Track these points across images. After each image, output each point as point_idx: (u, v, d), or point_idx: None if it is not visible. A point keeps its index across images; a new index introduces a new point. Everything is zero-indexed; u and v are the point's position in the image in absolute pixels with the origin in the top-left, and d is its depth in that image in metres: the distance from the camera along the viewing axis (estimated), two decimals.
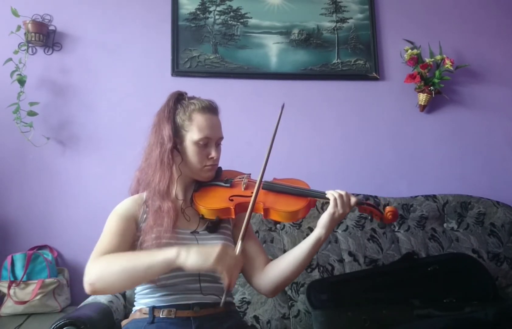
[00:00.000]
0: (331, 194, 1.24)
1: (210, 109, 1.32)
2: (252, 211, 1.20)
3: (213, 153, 1.29)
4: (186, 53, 2.30)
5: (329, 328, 1.66)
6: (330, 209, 1.23)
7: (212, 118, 1.31)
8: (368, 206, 1.27)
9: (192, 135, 1.27)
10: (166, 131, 1.26)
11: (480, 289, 1.83)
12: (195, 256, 1.05)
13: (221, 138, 1.34)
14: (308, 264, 1.29)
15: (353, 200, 1.25)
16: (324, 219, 1.24)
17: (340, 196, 1.23)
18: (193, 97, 1.35)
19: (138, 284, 1.19)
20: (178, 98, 1.33)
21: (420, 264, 1.91)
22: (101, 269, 1.10)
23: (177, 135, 1.28)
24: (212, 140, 1.29)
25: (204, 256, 1.05)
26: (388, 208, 1.26)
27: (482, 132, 2.45)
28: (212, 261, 1.04)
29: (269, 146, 1.27)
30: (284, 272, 1.26)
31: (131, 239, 1.24)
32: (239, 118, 2.28)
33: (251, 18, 2.37)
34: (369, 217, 1.30)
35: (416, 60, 2.36)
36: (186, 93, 1.36)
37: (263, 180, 1.27)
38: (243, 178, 1.35)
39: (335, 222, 1.24)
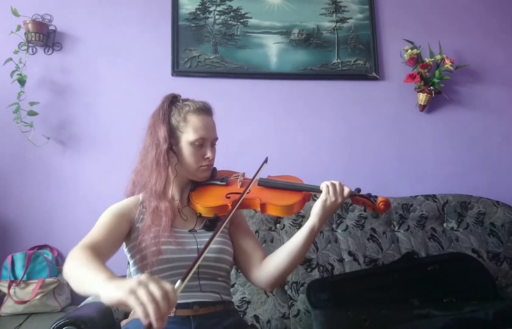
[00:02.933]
0: (324, 184, 1.26)
1: (205, 110, 1.33)
2: (236, 206, 1.21)
3: (208, 154, 1.31)
4: (186, 53, 2.30)
5: (329, 327, 1.66)
6: (322, 196, 1.24)
7: (207, 119, 1.33)
8: (361, 197, 1.29)
9: (188, 136, 1.29)
10: (162, 132, 1.28)
11: (480, 289, 1.83)
12: (113, 286, 0.88)
13: (216, 139, 1.36)
14: (304, 254, 1.29)
15: (346, 190, 1.26)
16: (316, 207, 1.24)
17: (332, 184, 1.25)
18: (187, 99, 1.36)
19: (84, 294, 1.05)
20: (173, 100, 1.34)
21: (420, 263, 1.91)
22: (69, 265, 1.06)
23: (173, 136, 1.30)
24: (207, 141, 1.31)
25: (119, 286, 0.86)
26: (380, 199, 1.28)
27: (482, 132, 2.46)
28: (122, 291, 0.83)
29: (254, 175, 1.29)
30: (281, 265, 1.27)
31: (120, 236, 1.24)
32: (239, 118, 2.28)
33: (251, 18, 2.37)
34: (363, 209, 1.31)
35: (416, 60, 2.36)
36: (180, 96, 1.38)
37: (258, 177, 1.30)
38: (238, 176, 1.39)
39: (328, 210, 1.24)
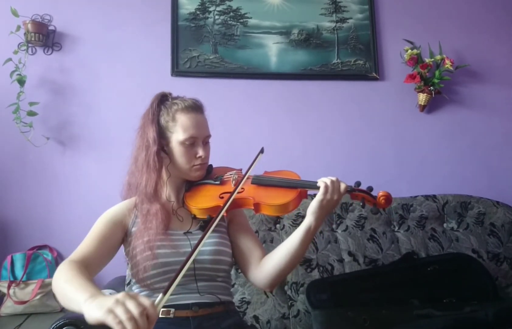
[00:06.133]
0: (321, 181, 1.20)
1: (194, 108, 1.30)
2: (226, 204, 1.17)
3: (200, 152, 1.28)
4: (186, 53, 2.30)
5: (329, 328, 1.66)
6: (319, 195, 1.19)
7: (196, 117, 1.29)
8: (360, 192, 1.23)
9: (177, 136, 1.26)
10: (151, 134, 1.26)
11: (480, 289, 1.83)
12: (93, 306, 0.87)
13: (208, 136, 1.33)
14: (302, 254, 1.25)
15: (342, 186, 1.21)
16: (312, 206, 1.20)
17: (331, 181, 1.19)
18: (177, 97, 1.34)
19: (72, 311, 1.03)
20: (162, 100, 1.32)
21: (420, 264, 1.91)
22: (56, 281, 1.06)
23: (163, 137, 1.28)
24: (198, 139, 1.28)
25: (99, 306, 0.85)
26: (381, 193, 1.21)
27: (482, 132, 2.45)
28: (102, 311, 0.83)
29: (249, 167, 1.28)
30: (278, 265, 1.24)
31: (113, 244, 1.24)
32: (239, 118, 2.28)
33: (251, 18, 2.37)
34: (361, 204, 1.25)
35: (416, 60, 2.36)
36: (170, 94, 1.35)
37: (252, 174, 1.27)
38: (232, 174, 1.35)
39: (325, 209, 1.20)
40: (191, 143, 1.27)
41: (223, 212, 1.16)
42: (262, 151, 1.31)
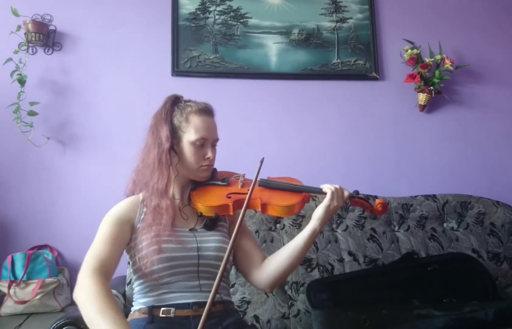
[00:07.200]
0: (328, 188, 1.30)
1: (206, 111, 1.35)
2: (246, 209, 1.21)
3: (209, 154, 1.32)
4: (186, 53, 2.30)
5: (329, 327, 1.66)
6: (326, 202, 1.28)
7: (208, 120, 1.34)
8: (360, 199, 1.35)
9: (189, 136, 1.30)
10: (164, 132, 1.30)
11: (480, 289, 1.83)
12: None
13: (217, 139, 1.38)
14: (303, 256, 1.33)
15: (346, 193, 1.32)
16: (319, 211, 1.29)
17: (336, 189, 1.30)
18: (189, 100, 1.38)
19: None
20: (175, 101, 1.37)
21: (420, 263, 1.91)
22: (82, 300, 1.08)
23: (174, 136, 1.31)
24: (208, 141, 1.33)
25: None
26: (378, 201, 1.34)
27: (482, 132, 2.46)
28: None
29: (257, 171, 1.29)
30: (281, 266, 1.30)
31: (124, 244, 1.25)
32: (239, 118, 2.28)
33: (251, 18, 2.37)
34: (362, 210, 1.37)
35: (416, 60, 2.36)
36: (182, 96, 1.40)
37: (259, 177, 1.31)
38: (239, 177, 1.40)
39: (330, 214, 1.30)
40: (201, 144, 1.31)
41: (242, 214, 1.18)
42: (262, 161, 1.34)
